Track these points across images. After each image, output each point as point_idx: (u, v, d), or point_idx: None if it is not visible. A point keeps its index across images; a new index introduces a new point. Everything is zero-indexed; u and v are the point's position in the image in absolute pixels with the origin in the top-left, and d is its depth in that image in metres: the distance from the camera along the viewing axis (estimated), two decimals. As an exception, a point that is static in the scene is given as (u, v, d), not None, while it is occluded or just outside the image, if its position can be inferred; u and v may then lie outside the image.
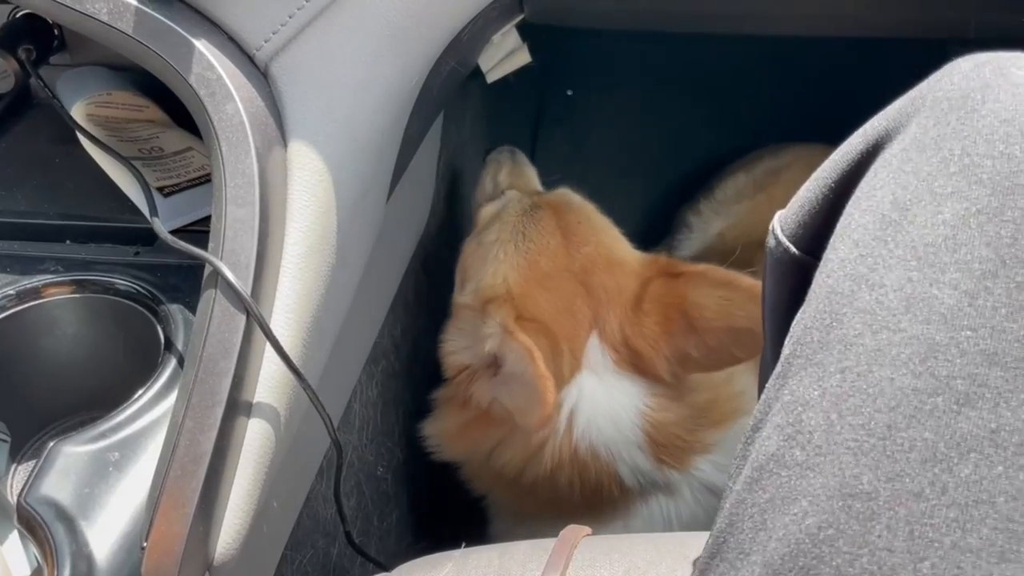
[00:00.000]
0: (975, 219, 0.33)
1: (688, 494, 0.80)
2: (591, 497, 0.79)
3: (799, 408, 0.34)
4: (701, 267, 0.80)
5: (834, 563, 0.30)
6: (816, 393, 0.34)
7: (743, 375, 0.84)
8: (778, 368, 0.37)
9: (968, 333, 0.31)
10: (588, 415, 0.78)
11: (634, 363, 0.79)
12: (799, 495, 0.32)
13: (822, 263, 0.38)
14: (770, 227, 0.45)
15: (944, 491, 0.29)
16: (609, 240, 0.88)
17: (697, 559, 0.40)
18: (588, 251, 0.85)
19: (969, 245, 0.32)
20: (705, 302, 0.77)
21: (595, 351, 0.79)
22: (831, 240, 0.38)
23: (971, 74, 0.37)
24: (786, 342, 0.38)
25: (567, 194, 0.95)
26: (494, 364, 0.80)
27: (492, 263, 0.85)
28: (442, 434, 0.85)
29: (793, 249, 0.42)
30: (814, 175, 0.43)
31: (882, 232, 0.35)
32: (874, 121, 0.40)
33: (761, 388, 0.48)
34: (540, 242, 0.85)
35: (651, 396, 0.79)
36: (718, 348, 0.77)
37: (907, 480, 0.30)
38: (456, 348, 0.83)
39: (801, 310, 0.38)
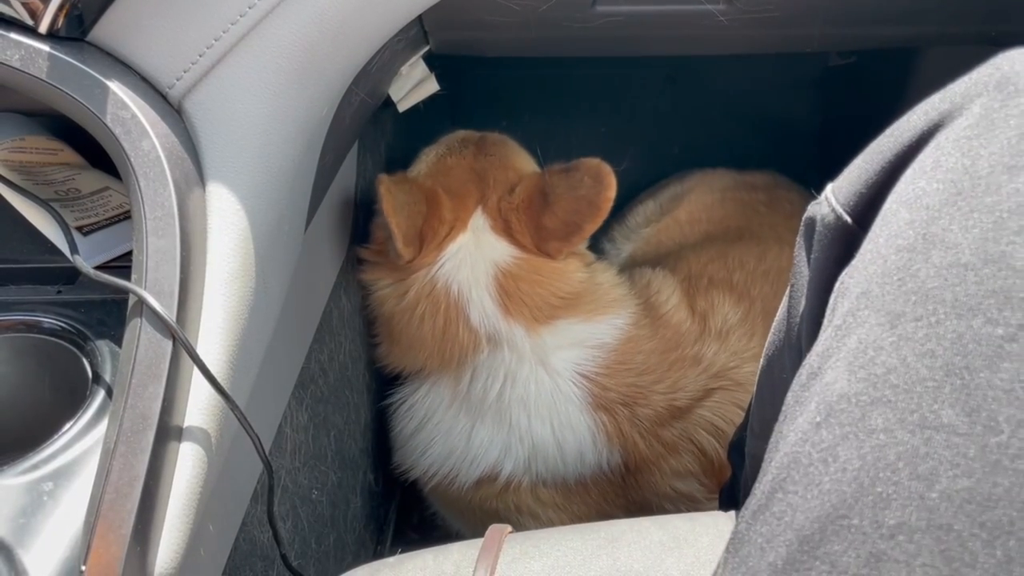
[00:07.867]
0: None
1: (528, 357, 0.97)
2: (443, 338, 0.98)
3: (870, 352, 0.36)
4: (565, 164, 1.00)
5: (913, 488, 0.32)
6: (890, 339, 0.36)
7: (612, 287, 1.05)
8: (838, 321, 0.40)
9: None
10: (454, 261, 0.99)
11: (506, 229, 1.01)
12: (874, 430, 0.34)
13: (884, 226, 0.40)
14: (822, 197, 0.46)
15: (1020, 425, 0.31)
16: (513, 156, 1.12)
17: (746, 501, 0.41)
18: (491, 159, 1.09)
19: None
20: (558, 182, 0.98)
21: (478, 218, 1.01)
22: (891, 207, 0.40)
23: None
24: (840, 300, 0.41)
25: (503, 135, 1.17)
26: None
27: (415, 164, 1.13)
28: (366, 271, 1.05)
29: (847, 218, 0.44)
30: (871, 148, 0.44)
31: (954, 199, 0.37)
32: (933, 102, 0.42)
33: (773, 346, 0.53)
34: (457, 152, 1.10)
35: (510, 256, 0.99)
36: (565, 218, 0.97)
37: (983, 415, 0.32)
38: (381, 223, 1.03)
39: (856, 270, 0.40)
